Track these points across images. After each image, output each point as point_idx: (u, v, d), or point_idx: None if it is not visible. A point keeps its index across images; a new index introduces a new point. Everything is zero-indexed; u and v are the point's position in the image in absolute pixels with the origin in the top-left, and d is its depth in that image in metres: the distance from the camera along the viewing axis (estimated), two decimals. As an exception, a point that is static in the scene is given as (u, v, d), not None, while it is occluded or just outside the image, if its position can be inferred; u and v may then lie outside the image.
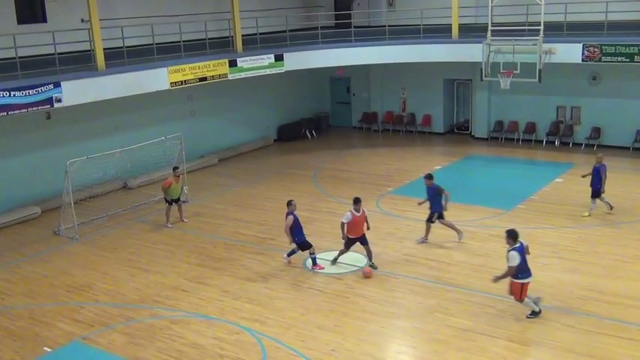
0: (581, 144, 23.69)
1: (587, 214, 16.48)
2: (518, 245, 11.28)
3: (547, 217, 16.61)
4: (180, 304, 12.90)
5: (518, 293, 11.42)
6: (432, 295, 12.71)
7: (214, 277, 14.10)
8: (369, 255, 13.98)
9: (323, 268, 14.09)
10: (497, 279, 11.46)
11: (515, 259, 11.14)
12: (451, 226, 15.26)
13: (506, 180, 20.65)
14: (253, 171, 22.96)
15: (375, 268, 13.84)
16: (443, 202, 15.01)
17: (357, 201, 13.77)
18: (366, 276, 13.56)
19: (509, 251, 11.27)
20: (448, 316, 11.83)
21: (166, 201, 17.50)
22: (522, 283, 11.37)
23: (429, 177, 15.26)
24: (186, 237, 16.69)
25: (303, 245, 14.01)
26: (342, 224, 13.78)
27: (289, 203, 14.00)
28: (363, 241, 13.84)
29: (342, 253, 14.14)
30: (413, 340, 11.29)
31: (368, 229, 13.98)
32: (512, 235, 11.33)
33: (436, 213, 15.11)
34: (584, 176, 16.97)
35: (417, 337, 11.35)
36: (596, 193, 16.44)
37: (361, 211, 13.72)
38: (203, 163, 23.49)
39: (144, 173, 21.30)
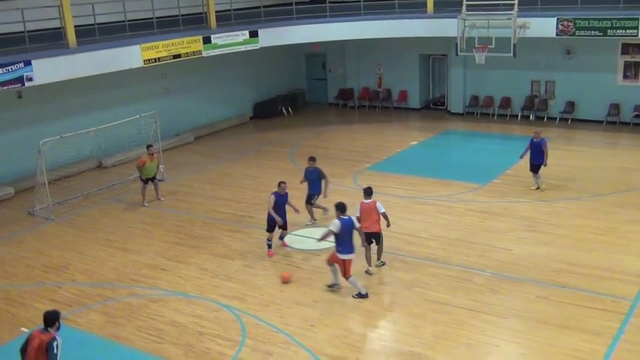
0: (556, 118, 23.92)
1: (535, 188, 16.61)
2: (345, 218, 11.55)
3: (522, 190, 16.77)
4: (159, 282, 12.87)
5: (343, 269, 11.66)
6: (409, 269, 12.81)
7: (192, 255, 14.07)
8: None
9: (287, 246, 14.02)
10: (319, 239, 11.90)
11: (335, 225, 11.44)
12: (318, 208, 15.18)
13: (482, 155, 20.84)
14: (230, 149, 22.85)
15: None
16: (322, 187, 14.99)
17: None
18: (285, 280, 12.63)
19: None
20: (426, 290, 11.96)
21: (142, 180, 17.35)
22: (343, 259, 11.56)
23: (312, 159, 15.17)
24: (163, 215, 16.60)
25: (270, 228, 13.67)
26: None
27: (279, 184, 13.69)
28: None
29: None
30: (391, 315, 11.42)
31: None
32: (338, 208, 11.67)
33: (315, 195, 15.06)
34: (522, 156, 16.88)
35: (396, 311, 11.48)
36: (536, 167, 16.51)
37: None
38: (179, 141, 23.30)
39: (119, 152, 21.06)
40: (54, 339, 8.15)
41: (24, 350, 8.33)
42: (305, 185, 15.26)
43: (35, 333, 8.35)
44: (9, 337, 11.06)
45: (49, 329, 8.28)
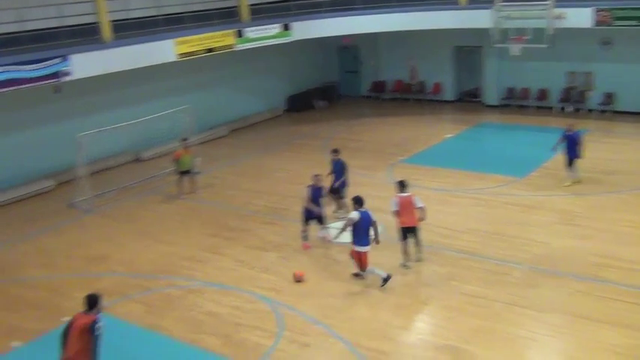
0: (595, 110, 23.48)
1: (568, 184, 16.29)
2: (363, 210, 11.63)
3: (560, 184, 16.50)
4: (196, 273, 13.04)
5: (358, 262, 11.76)
6: (445, 263, 12.75)
7: (229, 246, 14.21)
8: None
9: (310, 247, 13.80)
10: (341, 229, 12.00)
11: (355, 214, 11.55)
12: (333, 202, 15.06)
13: (518, 147, 20.50)
14: (264, 142, 22.97)
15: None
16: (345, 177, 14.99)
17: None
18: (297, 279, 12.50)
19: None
20: (462, 283, 11.89)
21: (177, 172, 17.53)
22: (358, 252, 11.65)
23: (335, 151, 15.18)
24: (199, 208, 16.77)
25: (305, 220, 13.72)
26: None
27: (313, 177, 13.76)
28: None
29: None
30: (428, 308, 11.37)
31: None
32: (356, 201, 11.76)
33: (341, 187, 14.96)
34: (554, 149, 16.52)
35: (432, 304, 11.43)
36: (570, 160, 16.20)
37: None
38: (214, 135, 23.47)
39: (155, 145, 21.33)
40: (97, 320, 8.38)
41: (66, 333, 8.52)
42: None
43: (77, 315, 8.59)
44: (51, 326, 11.27)
45: (91, 311, 8.51)
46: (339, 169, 15.06)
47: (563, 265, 12.30)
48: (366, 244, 11.69)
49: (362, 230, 11.63)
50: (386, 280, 11.81)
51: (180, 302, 11.92)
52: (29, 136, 18.91)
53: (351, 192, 16.61)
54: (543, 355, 9.98)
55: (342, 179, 15.00)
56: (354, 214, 11.62)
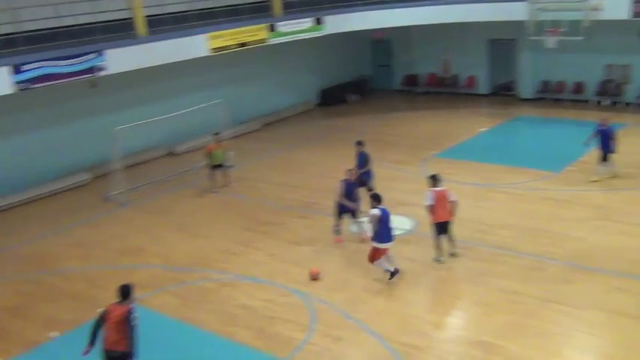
0: (632, 103, 22.99)
1: (596, 179, 15.96)
2: (382, 207, 11.56)
3: (594, 178, 16.22)
4: (230, 267, 13.13)
5: (371, 255, 11.78)
6: (480, 258, 12.63)
7: (262, 240, 14.28)
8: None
9: (342, 241, 13.79)
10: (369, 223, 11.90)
11: (375, 211, 11.48)
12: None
13: (553, 141, 20.16)
14: (296, 135, 23.01)
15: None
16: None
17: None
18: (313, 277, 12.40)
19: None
20: (497, 279, 11.76)
21: (209, 166, 17.65)
22: (376, 247, 11.63)
23: (360, 143, 15.15)
24: (232, 201, 16.88)
25: (337, 215, 13.64)
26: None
27: (347, 172, 13.74)
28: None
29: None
30: (461, 303, 11.30)
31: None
32: (375, 198, 11.73)
33: (367, 179, 14.85)
34: (586, 143, 16.23)
35: (466, 300, 11.35)
36: (604, 155, 15.85)
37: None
38: (246, 129, 23.58)
39: (188, 139, 21.54)
40: (132, 310, 8.59)
41: (99, 324, 8.70)
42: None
43: (111, 307, 8.76)
44: (88, 317, 11.40)
45: (125, 302, 8.71)
46: (361, 161, 15.08)
47: (599, 261, 12.10)
48: (386, 240, 11.65)
49: (382, 227, 11.57)
50: (394, 274, 11.80)
51: (215, 295, 12.02)
52: (66, 130, 19.25)
53: (383, 186, 16.59)
54: (579, 352, 9.82)
55: (365, 170, 14.96)
56: (375, 211, 11.57)
